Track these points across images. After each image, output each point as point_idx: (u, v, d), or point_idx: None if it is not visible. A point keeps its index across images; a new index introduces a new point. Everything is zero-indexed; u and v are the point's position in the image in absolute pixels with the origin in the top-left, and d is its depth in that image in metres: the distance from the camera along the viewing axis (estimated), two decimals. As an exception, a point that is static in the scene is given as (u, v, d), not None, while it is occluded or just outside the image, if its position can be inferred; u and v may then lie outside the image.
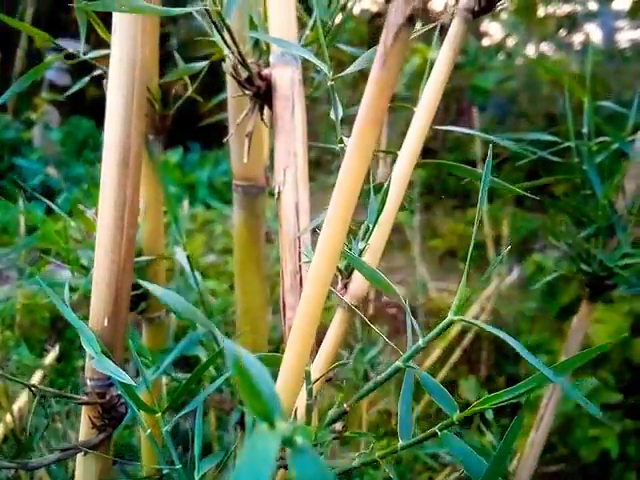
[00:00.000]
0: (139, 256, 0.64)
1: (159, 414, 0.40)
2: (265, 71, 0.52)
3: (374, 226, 0.42)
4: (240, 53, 0.50)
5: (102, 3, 0.43)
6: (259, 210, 0.65)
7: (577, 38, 4.27)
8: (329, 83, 0.45)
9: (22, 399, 0.85)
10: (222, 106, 0.68)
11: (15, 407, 0.81)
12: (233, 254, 0.66)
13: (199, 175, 3.98)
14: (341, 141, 0.45)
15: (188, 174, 4.01)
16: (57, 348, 0.81)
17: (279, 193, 0.49)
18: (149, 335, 0.68)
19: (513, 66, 3.80)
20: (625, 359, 1.39)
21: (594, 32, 4.22)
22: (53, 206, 0.61)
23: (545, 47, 4.44)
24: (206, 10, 0.45)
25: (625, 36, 3.91)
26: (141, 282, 0.50)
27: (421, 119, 0.43)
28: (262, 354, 0.42)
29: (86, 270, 0.60)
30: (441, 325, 0.35)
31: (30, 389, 0.47)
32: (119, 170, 0.46)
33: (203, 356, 0.64)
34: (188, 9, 0.42)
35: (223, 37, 0.48)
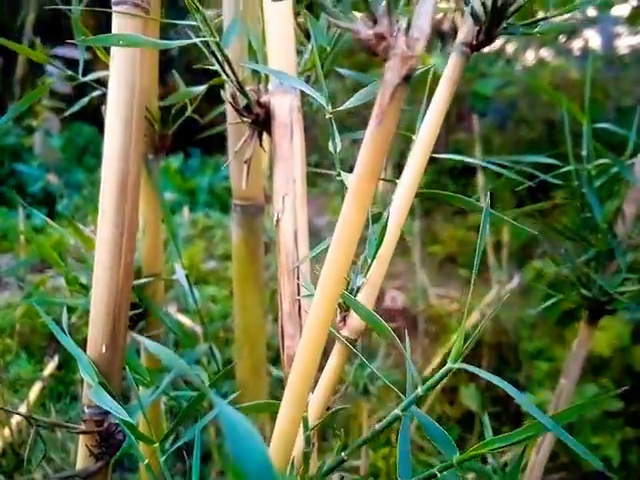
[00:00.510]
0: (139, 272, 0.64)
1: (156, 444, 0.40)
2: (264, 98, 0.52)
3: (373, 260, 0.42)
4: (239, 82, 0.50)
5: (101, 39, 0.44)
6: (258, 228, 0.66)
7: (576, 44, 4.29)
8: (327, 116, 0.45)
9: (21, 412, 0.85)
10: (224, 114, 0.68)
11: (13, 421, 0.81)
12: (232, 267, 0.66)
13: (200, 181, 3.98)
14: (339, 174, 0.45)
15: (189, 180, 4.02)
16: (57, 358, 0.81)
17: (278, 220, 0.50)
18: (148, 354, 0.68)
19: (513, 72, 3.81)
20: (626, 366, 1.38)
21: (593, 38, 4.23)
22: (49, 221, 0.61)
23: (545, 53, 4.46)
24: (205, 41, 0.45)
25: (624, 42, 3.92)
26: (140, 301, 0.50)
27: (420, 150, 0.43)
28: (260, 402, 0.43)
29: (85, 289, 0.60)
30: (439, 374, 0.35)
31: (28, 420, 0.46)
32: (118, 195, 0.47)
33: (202, 374, 0.64)
34: (187, 41, 0.42)
35: (222, 66, 0.49)
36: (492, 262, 1.63)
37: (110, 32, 0.52)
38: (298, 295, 0.48)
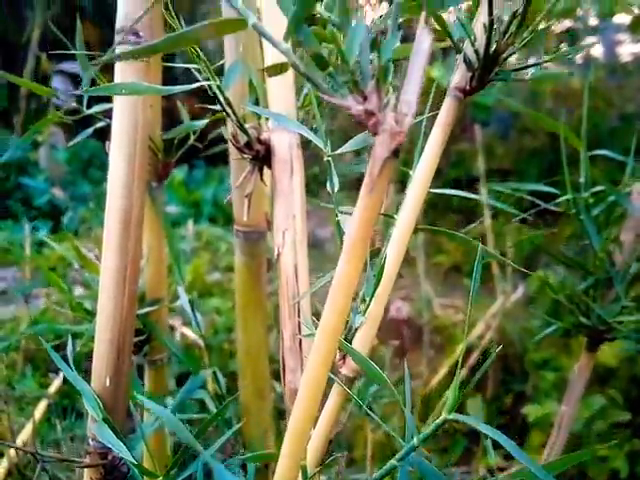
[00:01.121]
0: (142, 297, 0.65)
1: (160, 478, 0.41)
2: (264, 135, 0.53)
3: (371, 299, 0.42)
4: (239, 121, 0.51)
5: (104, 88, 0.45)
6: (260, 254, 0.66)
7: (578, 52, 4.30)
8: (325, 158, 0.46)
9: (27, 432, 0.85)
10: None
11: (19, 441, 0.81)
12: (236, 292, 0.67)
13: (204, 192, 4.00)
14: (336, 215, 0.46)
15: (193, 192, 4.04)
16: (62, 373, 0.81)
17: (278, 255, 0.51)
18: (152, 377, 0.69)
19: (512, 83, 3.81)
20: (633, 377, 1.37)
21: (596, 46, 4.25)
22: (49, 241, 0.62)
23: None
24: (208, 86, 0.47)
25: (627, 49, 3.93)
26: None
27: (417, 189, 0.43)
28: (263, 453, 0.44)
29: (90, 314, 0.61)
30: (435, 423, 0.35)
31: (34, 456, 0.47)
32: (122, 232, 0.48)
33: (207, 399, 0.65)
34: (189, 86, 0.43)
35: (223, 107, 0.50)
36: (497, 272, 1.62)
37: (112, 43, 0.53)
38: (299, 329, 0.49)
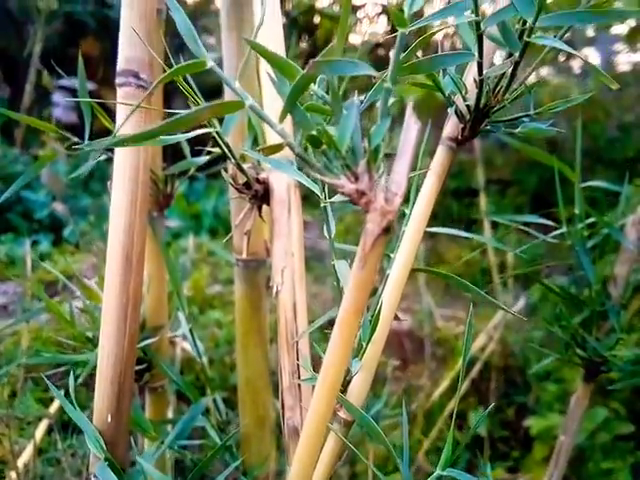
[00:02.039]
0: (143, 324, 0.66)
1: None
2: (262, 175, 0.55)
3: (368, 344, 0.43)
4: (239, 163, 0.52)
5: (107, 143, 0.46)
6: (260, 283, 0.67)
7: (576, 62, 4.32)
8: (322, 204, 0.47)
9: (27, 453, 0.84)
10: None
11: (20, 463, 0.81)
12: (236, 320, 0.68)
13: (204, 205, 4.00)
14: (333, 260, 0.47)
15: (194, 204, 4.04)
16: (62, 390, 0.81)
17: (277, 293, 0.51)
18: (152, 404, 0.70)
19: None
20: (636, 388, 1.36)
21: (593, 56, 4.27)
22: (45, 265, 0.63)
23: (545, 72, 4.50)
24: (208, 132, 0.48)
25: (624, 59, 3.95)
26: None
27: (412, 234, 0.45)
28: None
29: (92, 344, 0.61)
30: None
31: None
32: (123, 270, 0.49)
33: (207, 426, 0.65)
34: (189, 134, 0.43)
35: (223, 150, 0.52)
36: (498, 282, 1.62)
37: (115, 57, 0.54)
38: (297, 369, 0.50)
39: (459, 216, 3.03)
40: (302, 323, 0.51)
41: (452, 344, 1.60)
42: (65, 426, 0.93)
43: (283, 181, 0.54)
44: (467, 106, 0.41)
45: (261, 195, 0.55)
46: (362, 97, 0.30)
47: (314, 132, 0.27)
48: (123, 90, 0.50)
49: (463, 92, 0.40)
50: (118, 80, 0.50)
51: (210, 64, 0.28)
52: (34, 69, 4.43)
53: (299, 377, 0.49)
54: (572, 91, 3.38)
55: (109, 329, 0.48)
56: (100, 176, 4.19)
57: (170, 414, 0.85)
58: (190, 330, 0.67)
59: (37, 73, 4.42)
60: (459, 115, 0.42)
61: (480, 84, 0.38)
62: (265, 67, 0.54)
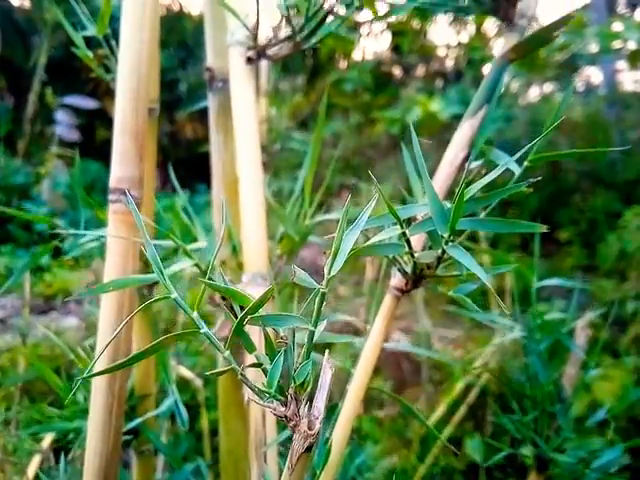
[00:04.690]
0: (132, 392, 0.69)
1: None
2: (238, 287, 0.58)
3: (321, 472, 0.46)
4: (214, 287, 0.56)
5: (91, 290, 0.54)
6: (240, 361, 0.69)
7: (579, 79, 4.35)
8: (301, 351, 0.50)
9: None
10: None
11: None
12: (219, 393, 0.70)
13: (205, 218, 4.00)
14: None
15: (193, 218, 4.04)
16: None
17: (248, 401, 0.55)
18: (139, 467, 0.71)
19: (515, 109, 3.85)
20: (631, 418, 1.34)
21: (595, 75, 4.30)
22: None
23: (548, 89, 4.52)
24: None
25: (627, 77, 3.97)
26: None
27: (368, 354, 0.52)
28: None
29: (83, 412, 0.63)
30: None
31: None
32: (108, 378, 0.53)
33: None
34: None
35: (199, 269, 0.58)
36: (496, 306, 1.60)
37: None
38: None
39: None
40: (271, 433, 0.54)
41: (450, 368, 1.57)
42: (57, 451, 0.92)
43: (257, 292, 0.58)
44: (413, 266, 0.48)
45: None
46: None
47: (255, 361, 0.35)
48: (115, 206, 0.55)
49: (404, 257, 0.48)
50: (110, 197, 0.55)
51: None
52: (39, 79, 4.46)
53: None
54: (574, 109, 3.39)
55: (95, 425, 0.52)
56: (101, 188, 4.20)
57: (159, 472, 0.86)
58: (176, 402, 0.68)
59: (41, 84, 4.46)
60: (402, 272, 0.49)
61: (414, 264, 0.47)
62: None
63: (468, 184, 0.38)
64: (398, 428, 1.29)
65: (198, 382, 0.96)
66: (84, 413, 0.62)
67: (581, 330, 0.76)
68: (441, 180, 0.54)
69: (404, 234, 0.40)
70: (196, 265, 0.56)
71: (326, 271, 0.31)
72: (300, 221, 0.65)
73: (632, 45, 2.91)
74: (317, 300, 0.32)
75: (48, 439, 0.82)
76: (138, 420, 0.66)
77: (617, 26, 2.87)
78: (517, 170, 0.46)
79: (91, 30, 0.64)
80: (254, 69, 0.61)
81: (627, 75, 3.98)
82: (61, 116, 4.35)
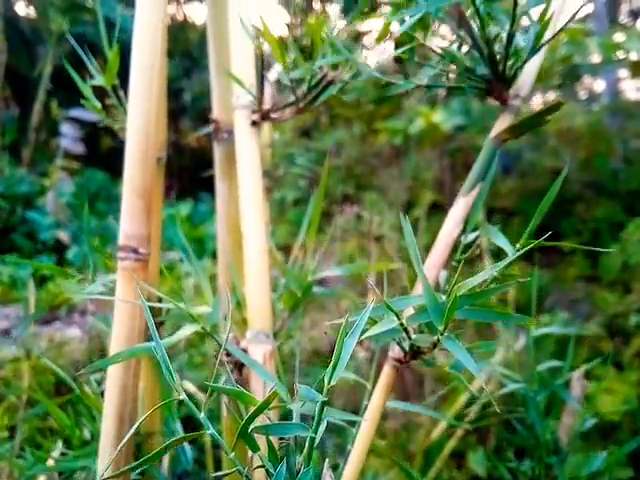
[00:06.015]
0: (137, 432, 0.69)
1: None
2: (242, 344, 0.61)
3: None
4: (219, 344, 0.58)
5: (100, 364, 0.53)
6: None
7: (582, 88, 4.36)
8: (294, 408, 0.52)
9: None
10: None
11: None
12: None
13: (208, 228, 4.01)
14: None
15: (197, 227, 4.05)
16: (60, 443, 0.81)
17: None
18: None
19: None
20: (635, 431, 1.33)
21: (598, 83, 4.31)
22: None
23: (550, 97, 4.53)
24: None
25: (629, 85, 3.97)
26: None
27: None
28: None
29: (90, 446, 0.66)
30: None
31: None
32: (117, 424, 0.55)
33: None
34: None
35: (206, 330, 0.58)
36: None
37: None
38: None
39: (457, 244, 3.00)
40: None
41: (452, 380, 1.56)
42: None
43: (260, 353, 0.60)
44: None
45: (241, 363, 0.61)
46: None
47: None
48: (124, 263, 0.56)
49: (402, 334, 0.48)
50: (119, 254, 0.56)
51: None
52: (44, 89, 4.49)
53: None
54: (576, 117, 3.39)
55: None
56: (106, 196, 4.22)
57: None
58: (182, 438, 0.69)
59: (47, 93, 4.49)
60: (401, 347, 0.51)
61: (411, 345, 0.49)
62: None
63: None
64: (401, 441, 1.28)
65: (200, 395, 0.95)
66: (91, 449, 0.65)
67: (577, 381, 0.78)
68: (440, 250, 0.57)
69: (401, 324, 0.42)
70: (202, 329, 0.57)
71: (326, 381, 0.32)
72: (302, 276, 0.67)
73: (634, 56, 2.91)
74: (317, 409, 0.32)
75: (55, 453, 0.82)
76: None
77: (619, 36, 2.88)
78: (511, 252, 0.47)
79: (99, 80, 0.65)
80: (258, 129, 0.64)
81: (629, 83, 3.99)
82: (66, 129, 4.38)
